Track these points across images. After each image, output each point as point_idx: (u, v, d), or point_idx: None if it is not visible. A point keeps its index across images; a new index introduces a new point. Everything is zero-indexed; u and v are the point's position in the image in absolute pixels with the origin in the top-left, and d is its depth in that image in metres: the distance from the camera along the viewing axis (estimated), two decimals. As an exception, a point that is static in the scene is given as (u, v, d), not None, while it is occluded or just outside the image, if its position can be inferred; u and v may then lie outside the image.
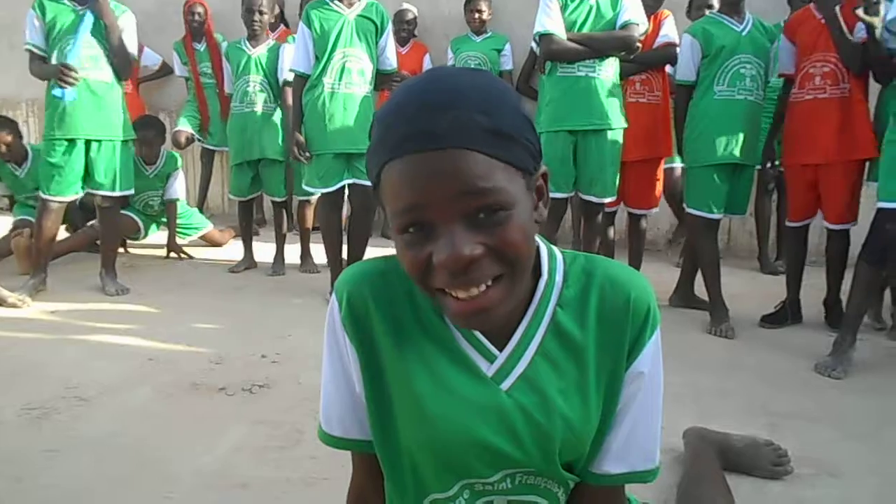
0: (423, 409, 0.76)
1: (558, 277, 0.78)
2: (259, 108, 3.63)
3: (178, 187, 4.13)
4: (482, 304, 0.67)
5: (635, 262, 3.32)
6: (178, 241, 4.18)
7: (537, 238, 0.78)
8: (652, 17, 3.14)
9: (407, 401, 0.77)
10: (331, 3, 3.03)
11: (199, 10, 4.76)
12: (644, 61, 3.06)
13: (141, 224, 4.16)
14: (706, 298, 3.05)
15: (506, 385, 0.76)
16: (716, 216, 2.91)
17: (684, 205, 3.01)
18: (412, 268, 0.68)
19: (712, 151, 2.83)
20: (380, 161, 0.67)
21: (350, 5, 3.03)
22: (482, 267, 0.65)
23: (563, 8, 2.78)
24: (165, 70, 5.23)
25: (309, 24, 3.01)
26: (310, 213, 3.81)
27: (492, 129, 0.64)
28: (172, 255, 4.05)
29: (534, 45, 4.08)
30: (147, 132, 3.91)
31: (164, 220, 4.20)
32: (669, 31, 3.12)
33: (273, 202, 3.82)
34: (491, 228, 0.65)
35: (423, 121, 0.63)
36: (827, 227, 2.81)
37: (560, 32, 2.75)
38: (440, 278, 0.66)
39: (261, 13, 3.56)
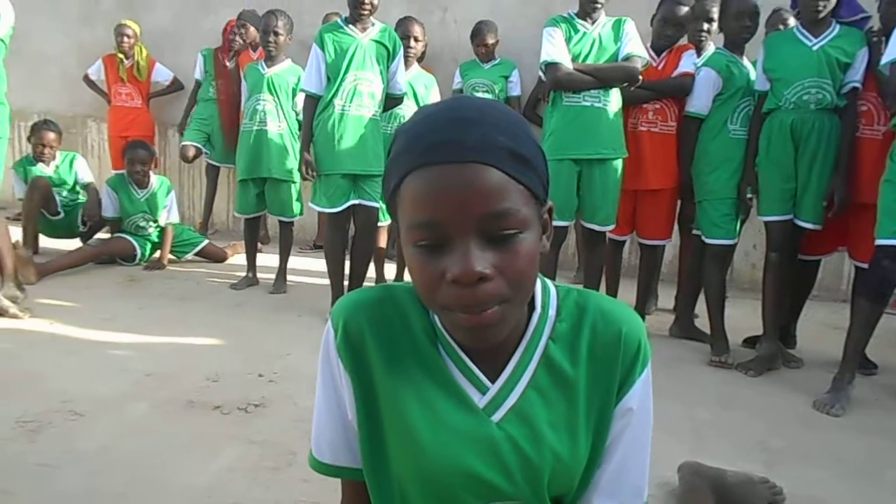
0: (415, 438, 0.76)
1: (552, 311, 0.79)
2: (267, 128, 3.67)
3: (174, 211, 4.24)
4: (486, 321, 0.68)
5: (642, 294, 3.29)
6: (175, 259, 4.29)
7: None
8: (675, 49, 3.07)
9: (398, 429, 0.78)
10: (345, 27, 3.09)
11: (242, 31, 4.82)
12: (659, 90, 3.01)
13: (137, 245, 4.17)
14: (705, 330, 3.04)
15: (497, 417, 0.76)
16: (734, 242, 2.96)
17: (703, 238, 2.99)
18: (425, 283, 0.69)
19: (732, 186, 2.90)
20: (403, 170, 0.69)
21: (364, 30, 3.09)
22: (489, 289, 0.67)
23: (568, 40, 2.82)
24: (176, 86, 5.29)
25: (322, 46, 3.06)
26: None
27: (512, 150, 0.67)
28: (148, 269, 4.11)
29: (542, 73, 4.11)
30: (136, 152, 4.09)
31: (158, 240, 4.26)
32: (688, 63, 3.04)
33: (279, 221, 3.84)
34: (503, 249, 0.67)
35: (452, 131, 0.66)
36: None
37: (566, 62, 2.79)
38: (450, 296, 0.67)
39: (276, 34, 3.62)
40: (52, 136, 4.23)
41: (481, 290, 0.66)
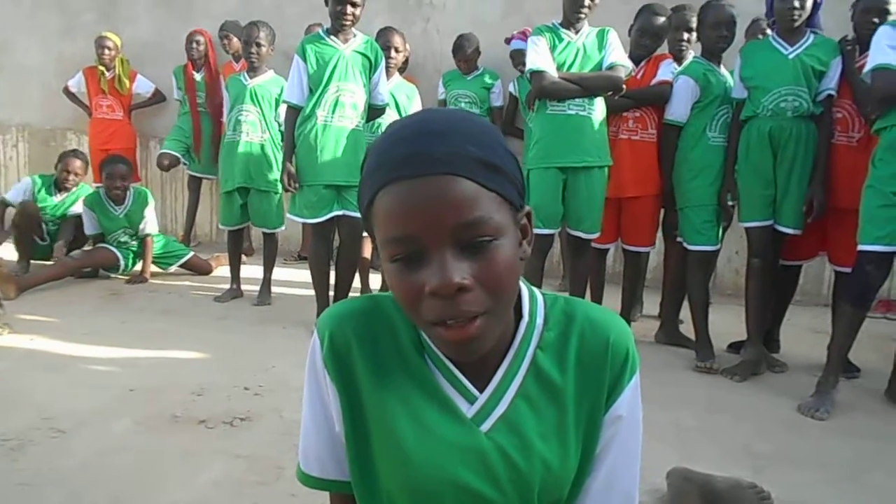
0: (403, 449, 0.76)
1: (539, 319, 0.79)
2: (250, 138, 3.66)
3: (152, 222, 4.20)
4: (470, 333, 0.68)
5: (627, 301, 3.31)
6: (160, 270, 4.25)
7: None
8: (653, 59, 3.11)
9: (387, 441, 0.77)
10: (327, 38, 3.09)
11: (199, 38, 4.82)
12: (638, 98, 3.04)
13: (120, 256, 4.14)
14: (690, 336, 3.06)
15: (485, 427, 0.76)
16: (716, 248, 3.00)
17: (685, 244, 3.02)
18: (406, 298, 0.69)
19: (713, 193, 2.93)
20: (375, 186, 0.69)
21: (346, 41, 3.09)
22: (470, 300, 0.67)
23: (553, 48, 2.84)
24: (158, 98, 5.26)
25: (304, 57, 3.06)
26: None
27: (482, 159, 0.67)
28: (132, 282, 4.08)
29: (511, 87, 4.16)
30: (116, 167, 4.07)
31: (139, 250, 4.22)
32: (666, 72, 3.08)
33: (263, 232, 3.82)
34: (479, 258, 0.67)
35: (421, 144, 0.67)
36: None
37: (551, 70, 2.81)
38: (432, 309, 0.67)
39: (258, 45, 3.61)
40: (78, 163, 4.28)
41: (461, 301, 0.66)
